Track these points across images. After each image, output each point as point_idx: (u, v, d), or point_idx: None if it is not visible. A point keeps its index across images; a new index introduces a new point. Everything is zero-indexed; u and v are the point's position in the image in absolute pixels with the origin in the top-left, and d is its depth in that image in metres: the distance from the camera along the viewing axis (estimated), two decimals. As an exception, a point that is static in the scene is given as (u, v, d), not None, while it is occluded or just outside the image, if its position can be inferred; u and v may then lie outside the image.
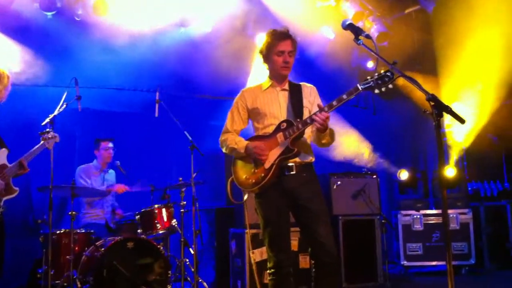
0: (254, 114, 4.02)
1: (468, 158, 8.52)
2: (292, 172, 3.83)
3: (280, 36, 3.91)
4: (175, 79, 7.39)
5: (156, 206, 5.89)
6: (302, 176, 3.85)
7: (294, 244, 5.88)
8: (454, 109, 2.90)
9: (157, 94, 5.92)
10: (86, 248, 5.50)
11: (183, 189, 6.01)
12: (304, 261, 6.00)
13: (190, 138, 5.88)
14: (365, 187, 6.76)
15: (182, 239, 5.79)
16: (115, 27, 6.84)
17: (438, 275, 7.21)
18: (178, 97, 7.39)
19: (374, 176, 6.92)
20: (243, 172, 3.93)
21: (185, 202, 5.93)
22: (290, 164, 3.82)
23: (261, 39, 3.82)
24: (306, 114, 3.87)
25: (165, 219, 5.86)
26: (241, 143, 3.94)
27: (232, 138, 4.02)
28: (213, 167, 7.01)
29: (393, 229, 7.43)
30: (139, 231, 5.78)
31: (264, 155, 3.80)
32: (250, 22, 7.57)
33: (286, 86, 4.04)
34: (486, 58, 7.32)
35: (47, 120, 5.05)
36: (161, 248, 5.50)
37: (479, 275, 7.32)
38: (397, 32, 7.96)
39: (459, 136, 8.28)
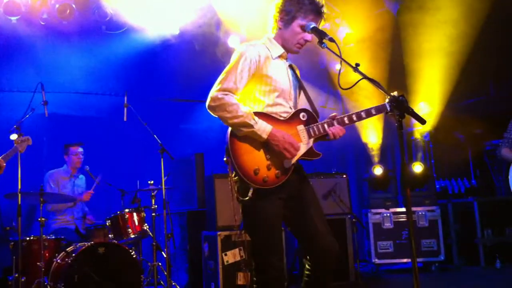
0: (260, 83, 3.26)
1: (435, 156, 8.67)
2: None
3: (317, 8, 3.30)
4: (143, 82, 7.37)
5: (126, 210, 5.85)
6: (301, 173, 3.37)
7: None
8: (415, 110, 2.96)
9: (125, 98, 5.90)
10: (56, 254, 5.44)
11: (154, 193, 5.99)
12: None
13: (160, 142, 5.87)
14: (335, 187, 6.82)
15: (154, 243, 5.77)
16: (81, 30, 6.80)
17: (409, 272, 7.31)
18: (147, 101, 7.36)
19: (344, 176, 6.99)
20: (250, 161, 3.13)
21: (156, 206, 5.91)
22: None
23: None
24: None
25: (136, 223, 5.84)
26: (263, 124, 3.11)
27: (248, 110, 3.13)
28: (184, 170, 7.00)
29: (363, 228, 7.52)
30: (110, 236, 5.74)
31: (295, 153, 3.16)
32: (219, 24, 7.58)
33: (290, 62, 3.45)
34: (447, 57, 7.47)
35: (14, 126, 5.00)
36: (133, 252, 5.48)
37: (449, 271, 7.46)
38: (363, 33, 8.07)
39: (426, 134, 8.43)
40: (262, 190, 3.12)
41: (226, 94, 3.14)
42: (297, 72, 3.51)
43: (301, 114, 3.29)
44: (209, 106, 3.18)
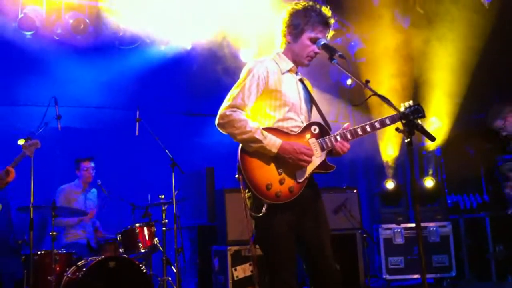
0: (269, 98, 3.25)
1: (446, 171, 8.63)
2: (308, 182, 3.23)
3: (325, 21, 3.30)
4: (155, 97, 7.43)
5: (137, 225, 5.87)
6: (314, 188, 3.33)
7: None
8: (424, 127, 2.97)
9: (138, 112, 5.95)
10: (67, 269, 5.46)
11: (165, 207, 6.01)
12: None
13: (171, 156, 5.90)
14: (345, 202, 6.81)
15: (164, 258, 5.78)
16: (94, 45, 6.88)
17: (419, 288, 7.27)
18: (158, 115, 7.41)
19: (355, 191, 6.98)
20: (262, 176, 3.10)
21: (167, 220, 5.93)
22: None
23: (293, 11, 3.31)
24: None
25: (146, 237, 5.85)
26: (272, 139, 3.10)
27: (256, 125, 3.11)
28: (194, 184, 7.03)
29: (374, 243, 7.48)
30: (120, 250, 5.76)
31: (312, 157, 3.15)
32: (230, 38, 7.63)
33: (300, 76, 3.44)
34: (458, 71, 7.47)
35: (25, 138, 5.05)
36: (143, 267, 5.49)
37: (460, 287, 7.39)
38: (375, 48, 8.08)
39: (437, 149, 8.39)
40: (275, 205, 3.10)
41: (235, 111, 3.14)
42: (309, 85, 3.51)
43: (313, 127, 3.27)
44: (218, 123, 3.18)
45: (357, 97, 3.32)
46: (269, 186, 3.09)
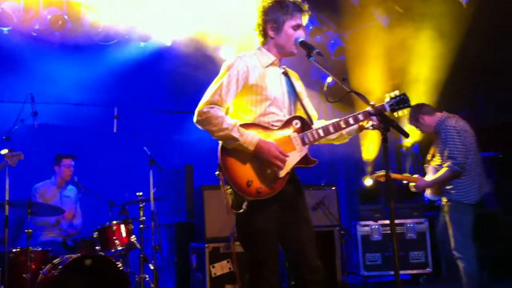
0: (250, 93, 3.24)
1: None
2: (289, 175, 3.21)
3: (300, 7, 3.33)
4: (134, 93, 7.39)
5: (114, 222, 5.82)
6: (296, 183, 3.32)
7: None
8: (399, 124, 3.00)
9: (115, 109, 5.92)
10: (43, 267, 5.40)
11: (142, 205, 5.99)
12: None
13: (149, 153, 5.88)
14: (324, 199, 6.84)
15: (141, 255, 5.76)
16: (73, 42, 6.81)
17: (397, 284, 7.31)
18: (137, 112, 7.38)
19: (333, 188, 7.01)
20: (242, 173, 3.10)
21: (144, 218, 5.91)
22: None
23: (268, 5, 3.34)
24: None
25: (123, 235, 5.81)
26: (249, 137, 3.08)
27: (233, 123, 3.10)
28: (173, 182, 7.02)
29: (352, 240, 7.54)
30: (97, 248, 5.72)
31: (284, 163, 3.11)
32: (210, 35, 7.61)
33: (283, 69, 3.43)
34: (437, 70, 7.55)
35: (4, 137, 5.01)
36: (120, 264, 5.46)
37: (437, 283, 7.48)
38: (354, 46, 8.14)
39: (415, 146, 8.47)
40: (256, 202, 3.09)
41: (212, 107, 3.12)
42: (296, 77, 3.51)
43: (294, 122, 3.26)
44: (196, 120, 3.17)
45: (336, 95, 3.34)
46: (249, 183, 3.08)
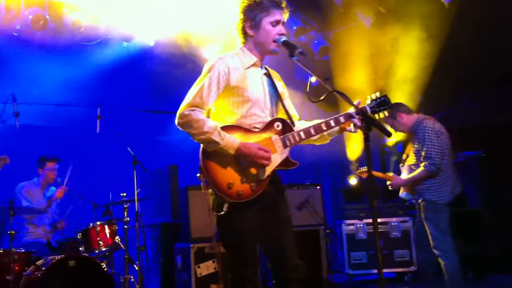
0: (232, 95, 3.22)
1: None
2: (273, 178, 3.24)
3: (276, 3, 3.29)
4: (117, 93, 7.33)
5: (98, 223, 5.79)
6: (277, 184, 3.33)
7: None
8: (381, 123, 3.01)
9: (98, 109, 5.88)
10: (26, 268, 5.34)
11: (127, 205, 5.96)
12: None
13: (133, 153, 5.85)
14: (309, 198, 6.85)
15: (126, 256, 5.74)
16: (55, 42, 6.75)
17: (382, 282, 7.35)
18: (120, 112, 7.32)
19: (318, 187, 7.03)
20: (223, 175, 3.09)
21: (128, 218, 5.88)
22: None
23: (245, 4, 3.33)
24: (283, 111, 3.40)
25: (108, 236, 5.78)
26: (229, 140, 3.08)
27: (214, 126, 3.08)
28: (158, 182, 6.98)
29: (337, 239, 7.56)
30: (81, 249, 5.68)
31: (269, 159, 3.12)
32: (193, 35, 7.59)
33: (265, 70, 3.41)
34: (420, 70, 7.60)
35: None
36: (104, 265, 5.42)
37: (422, 282, 7.50)
38: (338, 46, 8.17)
39: (399, 145, 8.51)
40: (237, 204, 3.09)
41: (193, 110, 3.11)
42: (278, 78, 3.50)
43: (276, 124, 3.25)
44: (177, 123, 3.16)
45: (320, 94, 3.34)
46: (230, 185, 3.08)
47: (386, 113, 3.35)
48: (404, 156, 5.45)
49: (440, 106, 8.61)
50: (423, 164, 5.13)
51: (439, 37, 7.13)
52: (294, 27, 7.88)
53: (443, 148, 5.17)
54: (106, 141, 6.49)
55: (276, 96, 3.39)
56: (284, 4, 3.33)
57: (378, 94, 3.34)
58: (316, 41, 8.29)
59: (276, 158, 3.20)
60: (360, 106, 3.24)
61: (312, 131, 3.26)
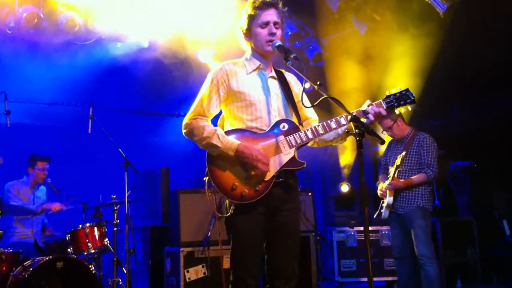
0: (235, 100, 3.31)
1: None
2: (280, 179, 3.23)
3: (262, 4, 3.34)
4: (110, 94, 7.30)
5: (87, 224, 5.75)
6: (289, 187, 3.30)
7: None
8: (375, 130, 3.00)
9: (91, 109, 5.84)
10: (13, 268, 5.28)
11: (117, 207, 5.92)
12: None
13: (124, 155, 5.81)
14: (300, 205, 6.81)
15: (114, 259, 5.68)
16: (48, 40, 6.70)
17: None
18: (113, 113, 7.29)
19: (310, 194, 7.02)
20: (227, 177, 3.17)
21: (118, 221, 5.84)
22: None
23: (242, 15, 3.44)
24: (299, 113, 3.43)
25: (97, 238, 5.74)
26: (228, 142, 3.15)
27: (212, 130, 3.19)
28: (148, 185, 6.94)
29: (327, 246, 7.54)
30: (69, 250, 5.63)
31: (267, 165, 3.15)
32: (187, 38, 7.56)
33: (273, 73, 3.48)
34: (413, 78, 7.61)
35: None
36: (92, 267, 5.37)
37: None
38: (332, 53, 8.18)
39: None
40: (241, 205, 3.15)
41: (195, 119, 3.26)
42: (291, 81, 3.53)
43: (281, 125, 3.29)
44: (184, 133, 3.31)
45: (313, 100, 3.32)
46: (234, 187, 3.14)
47: (409, 107, 3.34)
48: (398, 162, 5.50)
49: (432, 115, 8.64)
50: (424, 170, 5.44)
51: (432, 45, 7.15)
52: (289, 33, 7.88)
53: (437, 159, 5.46)
54: (98, 142, 6.45)
55: (285, 98, 3.43)
56: (271, 2, 3.36)
57: (399, 88, 3.34)
58: (310, 47, 8.29)
59: (282, 159, 3.22)
60: (369, 107, 3.28)
61: (321, 130, 3.27)
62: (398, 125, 5.67)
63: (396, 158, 5.53)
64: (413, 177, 5.47)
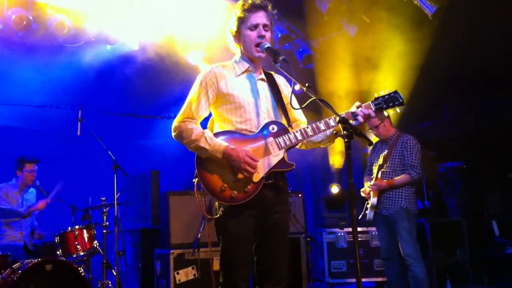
0: (224, 102, 3.31)
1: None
2: (270, 181, 3.23)
3: (251, 7, 3.34)
4: (99, 97, 7.27)
5: (76, 227, 5.72)
6: (279, 189, 3.31)
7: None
8: (363, 131, 3.01)
9: (80, 112, 5.82)
10: (2, 271, 5.24)
11: (106, 209, 5.90)
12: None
13: (113, 157, 5.80)
14: (290, 206, 6.82)
15: (104, 261, 5.67)
16: (37, 42, 6.67)
17: (361, 291, 7.34)
18: (102, 116, 7.27)
19: (300, 195, 7.03)
20: (216, 179, 3.17)
21: (107, 223, 5.82)
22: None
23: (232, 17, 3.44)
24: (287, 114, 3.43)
25: (86, 240, 5.71)
26: (216, 145, 3.15)
27: (200, 133, 3.19)
28: (139, 187, 6.92)
29: (317, 247, 7.55)
30: (58, 253, 5.60)
31: (255, 168, 3.14)
32: (177, 40, 7.56)
33: (263, 75, 3.48)
34: (402, 80, 7.65)
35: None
36: (82, 270, 5.35)
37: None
38: (322, 54, 8.20)
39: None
40: (231, 207, 3.15)
41: (184, 121, 3.25)
42: (280, 83, 3.53)
43: (271, 127, 3.29)
44: (173, 136, 3.29)
45: (303, 102, 3.33)
46: (223, 188, 3.14)
47: (397, 109, 3.36)
48: (381, 161, 5.54)
49: (423, 117, 8.68)
50: (407, 172, 5.48)
51: (422, 48, 7.19)
52: (279, 35, 7.89)
53: (420, 161, 5.52)
54: (87, 144, 6.43)
55: (274, 100, 3.43)
56: (258, 3, 3.36)
57: (388, 90, 3.35)
58: (300, 49, 8.30)
59: (271, 160, 3.23)
60: (358, 109, 3.29)
61: (310, 131, 3.27)
62: (384, 125, 5.73)
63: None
64: (396, 178, 5.52)
